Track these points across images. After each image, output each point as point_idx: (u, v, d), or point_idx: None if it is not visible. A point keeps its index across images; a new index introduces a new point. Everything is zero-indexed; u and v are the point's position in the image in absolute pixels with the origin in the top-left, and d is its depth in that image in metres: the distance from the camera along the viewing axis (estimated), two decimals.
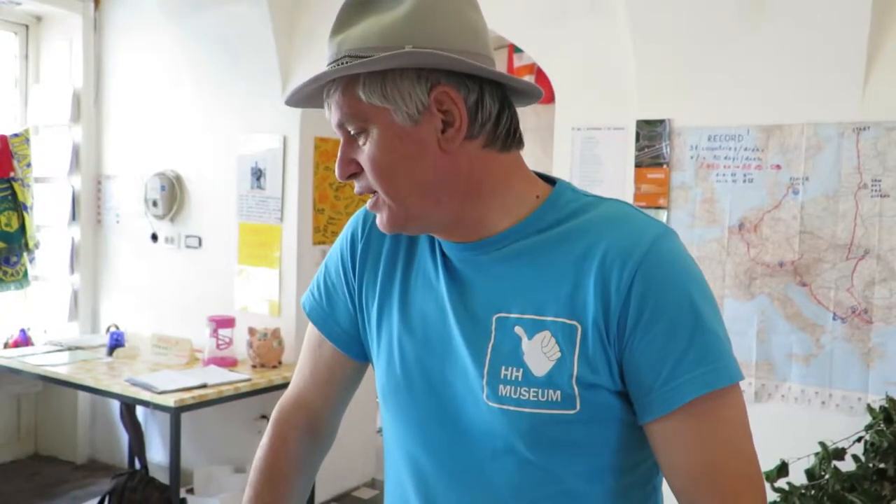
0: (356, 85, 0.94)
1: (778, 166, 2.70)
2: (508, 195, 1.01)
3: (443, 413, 1.02)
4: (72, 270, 4.47)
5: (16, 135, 4.16)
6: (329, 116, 0.99)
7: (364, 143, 0.96)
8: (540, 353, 0.96)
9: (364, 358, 1.18)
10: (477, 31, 1.00)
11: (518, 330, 0.97)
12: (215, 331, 3.77)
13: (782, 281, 2.69)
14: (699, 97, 2.83)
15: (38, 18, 4.48)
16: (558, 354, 0.95)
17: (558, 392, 0.94)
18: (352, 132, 0.97)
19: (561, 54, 3.13)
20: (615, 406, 0.96)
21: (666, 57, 2.87)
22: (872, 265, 2.56)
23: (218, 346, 3.77)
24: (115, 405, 4.13)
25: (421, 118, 0.95)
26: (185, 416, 3.32)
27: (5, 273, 4.12)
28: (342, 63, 0.93)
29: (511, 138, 1.02)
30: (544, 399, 0.95)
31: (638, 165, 2.95)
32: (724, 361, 0.93)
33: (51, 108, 4.43)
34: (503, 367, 0.97)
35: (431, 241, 1.07)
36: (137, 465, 3.94)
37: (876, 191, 2.55)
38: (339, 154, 0.99)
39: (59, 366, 3.73)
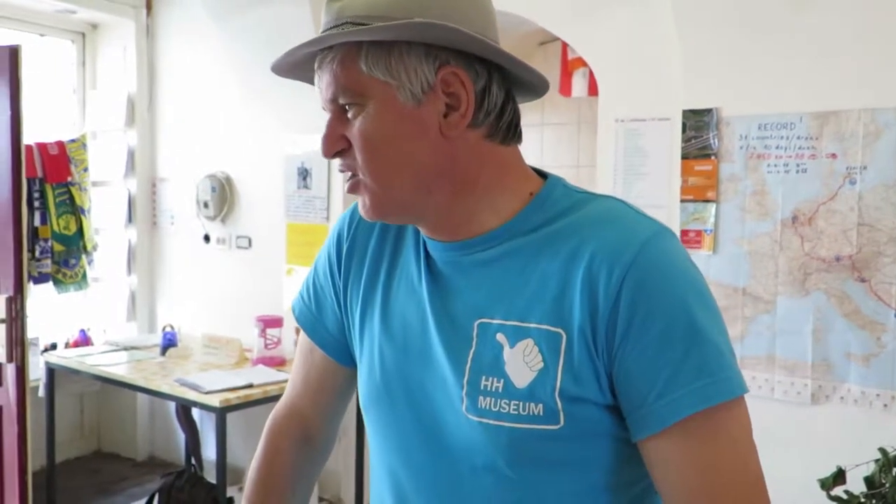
0: (358, 55, 0.88)
1: (833, 155, 2.55)
2: (502, 192, 0.94)
3: (422, 425, 0.96)
4: (129, 271, 4.56)
5: (73, 140, 4.27)
6: (319, 87, 0.92)
7: (356, 118, 0.89)
8: (522, 363, 0.88)
9: (355, 364, 1.11)
10: (490, 17, 0.94)
11: (500, 337, 0.90)
12: (263, 330, 3.79)
13: (839, 276, 2.54)
14: (748, 84, 2.69)
15: (94, 26, 4.58)
16: (541, 364, 0.87)
17: (540, 405, 0.87)
18: (344, 105, 0.90)
19: (603, 43, 3.03)
20: (604, 421, 0.88)
21: (712, 42, 2.74)
22: None
23: (266, 345, 3.79)
24: (172, 404, 4.20)
25: (425, 98, 0.88)
26: (238, 415, 3.34)
27: (65, 275, 4.23)
28: (343, 29, 0.87)
29: (512, 132, 0.95)
30: (525, 413, 0.87)
31: (684, 157, 2.83)
32: (724, 374, 0.84)
33: (107, 114, 4.53)
34: (483, 378, 0.90)
35: (417, 241, 1.01)
36: (193, 462, 4.00)
37: None
38: (325, 130, 0.92)
39: (113, 366, 3.80)
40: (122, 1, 4.37)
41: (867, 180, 2.49)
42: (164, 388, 3.44)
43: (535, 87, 0.97)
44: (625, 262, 0.85)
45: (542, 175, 1.00)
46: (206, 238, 4.34)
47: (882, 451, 2.26)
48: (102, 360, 3.88)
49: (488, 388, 0.89)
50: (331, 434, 1.19)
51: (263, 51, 3.91)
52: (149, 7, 4.46)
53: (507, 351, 0.89)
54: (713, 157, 2.77)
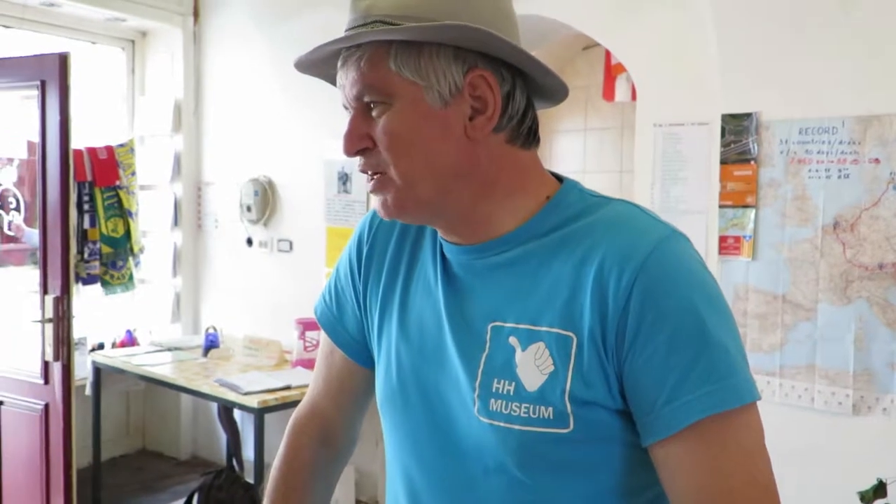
0: (387, 54, 0.88)
1: (877, 160, 2.49)
2: (520, 196, 0.95)
3: (436, 426, 0.97)
4: (174, 273, 4.66)
5: (121, 145, 4.38)
6: (342, 84, 0.93)
7: (380, 116, 0.90)
8: (533, 366, 0.89)
9: (374, 366, 1.12)
10: (513, 20, 0.95)
11: (513, 340, 0.91)
12: (303, 333, 3.83)
13: (882, 284, 2.48)
14: (789, 88, 2.65)
15: (143, 34, 4.70)
16: (551, 368, 0.88)
17: (550, 409, 0.87)
18: (371, 105, 0.91)
19: (640, 46, 3.01)
20: (614, 425, 0.88)
21: (752, 46, 2.70)
22: None
23: (305, 348, 3.83)
24: (215, 404, 4.27)
25: (452, 100, 0.89)
26: (277, 416, 3.39)
27: (112, 276, 4.34)
28: (373, 28, 0.88)
29: (532, 137, 0.96)
30: (535, 416, 0.88)
31: (724, 162, 2.79)
32: (734, 379, 0.84)
33: (154, 119, 4.64)
34: (495, 380, 0.91)
35: (434, 243, 1.02)
36: (234, 462, 4.06)
37: None
38: (347, 127, 0.92)
39: (157, 366, 3.88)
40: (170, 9, 4.47)
41: None
42: (205, 389, 3.50)
43: (555, 93, 0.98)
44: (635, 266, 0.85)
45: (560, 179, 1.00)
46: (249, 241, 4.41)
47: None
48: (147, 360, 3.97)
49: (500, 391, 0.90)
50: (351, 434, 1.21)
51: None
52: (196, 15, 4.55)
53: (518, 354, 0.90)
54: (753, 162, 2.73)
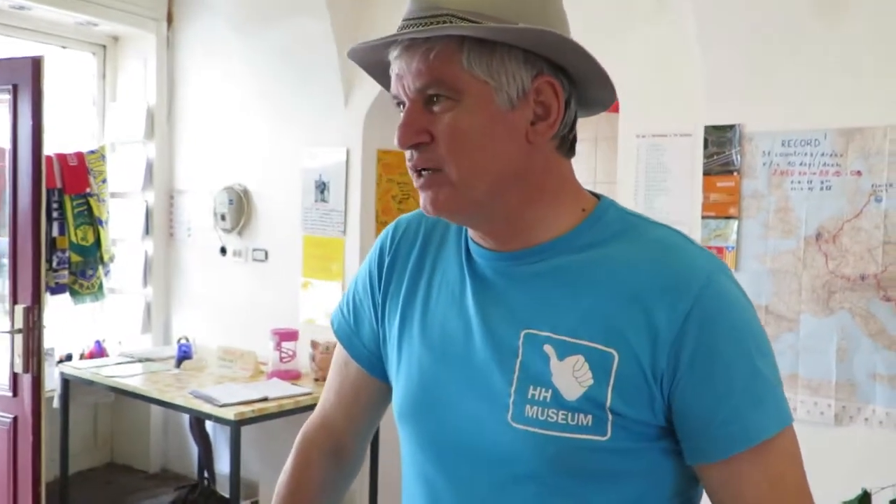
0: (460, 50, 0.88)
1: (859, 172, 2.52)
2: (561, 205, 0.96)
3: (461, 433, 0.96)
4: (145, 283, 4.56)
5: (92, 152, 4.29)
6: (401, 75, 0.90)
7: (445, 113, 0.89)
8: (571, 377, 0.89)
9: (388, 380, 1.11)
10: (568, 27, 0.97)
11: (548, 349, 0.91)
12: (279, 344, 3.77)
13: (864, 295, 2.50)
14: (772, 100, 2.67)
15: (116, 39, 4.61)
16: (591, 381, 0.89)
17: (590, 416, 0.88)
18: (434, 98, 0.89)
19: (624, 58, 3.01)
20: (649, 436, 0.90)
21: (735, 58, 2.72)
22: None
23: (281, 359, 3.78)
24: (186, 416, 4.19)
25: (518, 103, 0.90)
26: (252, 428, 3.33)
27: (82, 286, 4.24)
28: (444, 21, 0.86)
29: (573, 146, 0.98)
30: (574, 423, 0.89)
31: (706, 173, 2.81)
32: (779, 406, 0.90)
33: (126, 126, 4.55)
34: (531, 387, 0.91)
35: (458, 249, 1.02)
36: (206, 476, 3.98)
37: None
38: (405, 119, 0.91)
39: (128, 377, 3.80)
40: (144, 14, 4.40)
41: (893, 198, 2.46)
42: (179, 401, 3.43)
43: (597, 106, 1.00)
44: (692, 296, 0.87)
45: (592, 194, 1.02)
46: (223, 250, 4.34)
47: None
48: (117, 372, 3.87)
49: (536, 398, 0.90)
50: (361, 449, 1.19)
51: (283, 64, 3.93)
52: (170, 20, 4.49)
53: (553, 363, 0.91)
54: (735, 174, 2.75)
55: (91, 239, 4.25)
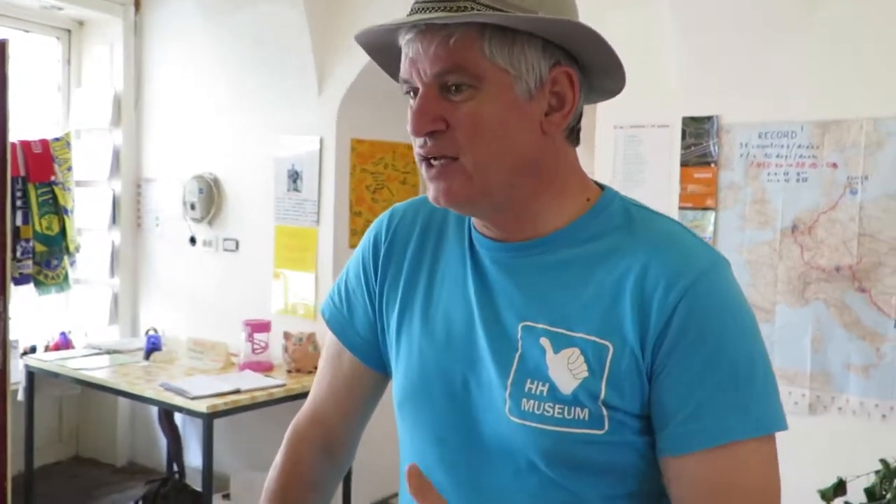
0: (481, 38, 0.86)
1: (834, 164, 2.54)
2: (568, 194, 0.95)
3: (462, 425, 0.95)
4: (112, 274, 4.48)
5: (57, 139, 4.18)
6: (415, 59, 0.88)
7: (466, 100, 0.87)
8: (565, 370, 0.89)
9: (384, 370, 1.10)
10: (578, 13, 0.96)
11: (544, 342, 0.90)
12: (251, 335, 3.72)
13: (839, 286, 2.53)
14: (749, 92, 2.68)
15: (81, 23, 4.50)
16: (585, 374, 0.88)
17: (586, 410, 0.87)
18: (454, 87, 0.87)
19: None
20: (643, 431, 0.89)
21: (713, 49, 2.73)
22: None
23: (254, 350, 3.73)
24: (154, 409, 4.12)
25: (536, 93, 0.88)
26: (222, 421, 3.28)
27: (46, 276, 4.13)
28: (463, 8, 0.84)
29: (579, 134, 0.97)
30: (571, 417, 0.88)
31: (684, 165, 2.82)
32: (760, 410, 0.86)
33: (92, 112, 4.45)
34: (528, 381, 0.90)
35: (461, 239, 1.01)
36: (175, 469, 3.92)
37: None
38: (420, 106, 0.88)
39: (96, 369, 3.72)
40: None
41: (868, 190, 2.48)
42: (149, 393, 3.36)
43: (603, 95, 0.99)
44: (683, 286, 0.86)
45: (597, 184, 1.01)
46: (193, 240, 4.27)
47: (883, 462, 2.24)
48: (84, 364, 3.79)
49: (533, 392, 0.89)
50: (353, 443, 1.17)
51: (255, 51, 3.86)
52: (137, 5, 4.39)
53: (549, 356, 0.90)
54: (713, 165, 2.76)
55: (56, 228, 4.14)
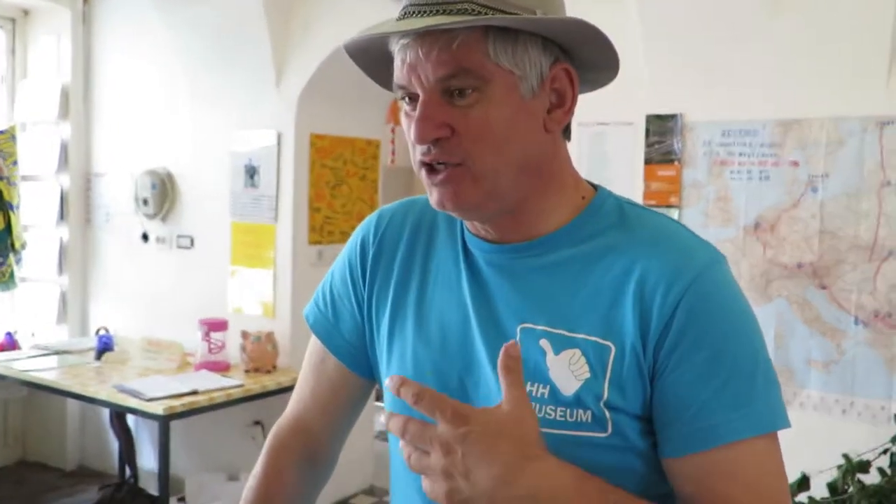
0: (485, 39, 0.84)
1: (796, 163, 2.57)
2: (564, 193, 0.93)
3: None
4: (60, 271, 4.34)
5: (1, 132, 4.02)
6: (414, 65, 0.84)
7: (473, 105, 0.84)
8: (567, 372, 0.87)
9: (370, 375, 1.07)
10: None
11: (544, 343, 0.89)
12: (207, 334, 3.64)
13: (801, 283, 2.56)
14: (712, 90, 2.70)
15: (26, 12, 4.35)
16: (587, 375, 0.86)
17: (589, 412, 0.86)
18: (459, 91, 0.84)
19: None
20: (645, 433, 0.88)
21: (677, 47, 2.74)
22: None
23: (210, 349, 3.64)
24: (105, 410, 4.00)
25: (539, 91, 0.87)
26: (176, 422, 3.20)
27: None
28: (463, 10, 0.81)
29: (570, 129, 0.96)
30: (573, 419, 0.86)
31: (648, 162, 2.82)
32: (760, 409, 0.85)
33: (38, 105, 4.30)
34: (528, 384, 0.88)
35: (453, 240, 0.98)
36: (128, 472, 3.81)
37: None
38: (423, 113, 0.84)
39: (45, 371, 3.60)
40: None
41: (829, 188, 2.52)
42: (102, 395, 3.26)
43: (594, 86, 0.99)
44: (682, 285, 0.85)
45: (589, 184, 1.00)
46: (145, 237, 4.16)
47: (846, 456, 2.28)
48: (32, 366, 3.67)
49: (533, 394, 0.88)
50: (335, 452, 1.14)
51: (211, 42, 3.77)
52: None
53: (550, 357, 0.88)
54: (676, 163, 2.77)
55: (1, 225, 3.99)
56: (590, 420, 0.86)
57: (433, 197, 0.89)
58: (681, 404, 0.85)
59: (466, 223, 0.97)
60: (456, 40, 0.83)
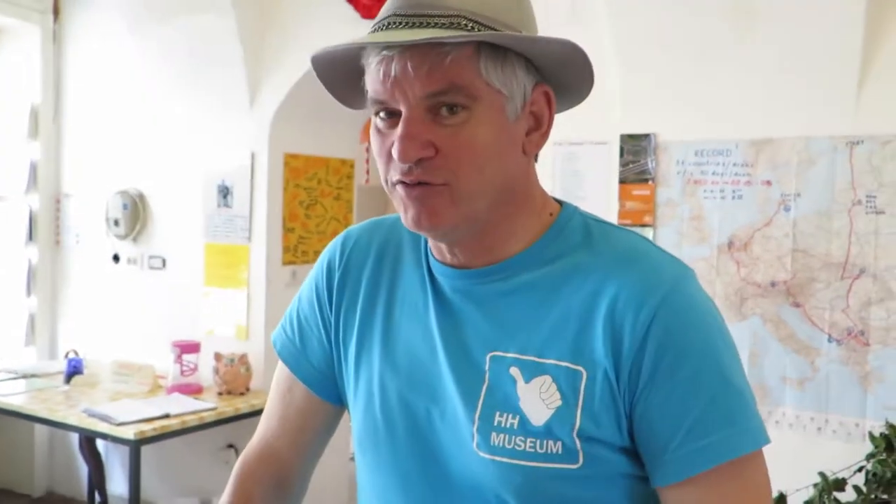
0: (477, 57, 0.81)
1: (768, 182, 2.60)
2: (532, 213, 0.91)
3: (427, 461, 0.89)
4: (28, 293, 4.27)
5: None
6: (399, 79, 0.79)
7: (461, 124, 0.81)
8: (538, 400, 0.84)
9: (340, 402, 1.04)
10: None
11: (514, 371, 0.86)
12: (179, 356, 3.58)
13: (774, 301, 2.58)
14: (686, 110, 2.72)
15: None
16: (559, 402, 0.84)
17: (559, 443, 0.83)
18: (450, 107, 0.81)
19: None
20: (619, 463, 0.85)
21: (650, 68, 2.76)
22: (868, 285, 2.45)
23: (182, 372, 3.59)
24: (75, 435, 3.92)
25: (521, 114, 0.86)
26: (148, 446, 3.15)
27: None
28: (457, 24, 0.79)
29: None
30: (543, 451, 0.83)
31: (622, 182, 2.84)
32: (752, 423, 0.84)
33: (6, 124, 4.25)
34: (497, 413, 0.85)
35: (419, 266, 0.95)
36: (97, 498, 3.73)
37: (871, 207, 2.44)
38: (408, 130, 0.80)
39: (12, 395, 3.52)
40: (27, 5, 4.11)
41: (801, 207, 2.54)
42: (71, 420, 3.20)
43: (565, 108, 0.97)
44: (653, 304, 0.83)
45: (555, 200, 0.98)
46: (116, 258, 4.10)
47: (822, 475, 2.29)
48: None
49: (502, 425, 0.85)
50: (305, 480, 1.10)
51: (183, 62, 3.74)
52: (56, 12, 4.20)
53: (520, 386, 0.86)
54: (650, 182, 2.78)
55: None
56: (560, 451, 0.83)
57: (408, 214, 0.85)
58: (671, 427, 0.82)
59: (431, 246, 0.94)
60: (448, 56, 0.79)
